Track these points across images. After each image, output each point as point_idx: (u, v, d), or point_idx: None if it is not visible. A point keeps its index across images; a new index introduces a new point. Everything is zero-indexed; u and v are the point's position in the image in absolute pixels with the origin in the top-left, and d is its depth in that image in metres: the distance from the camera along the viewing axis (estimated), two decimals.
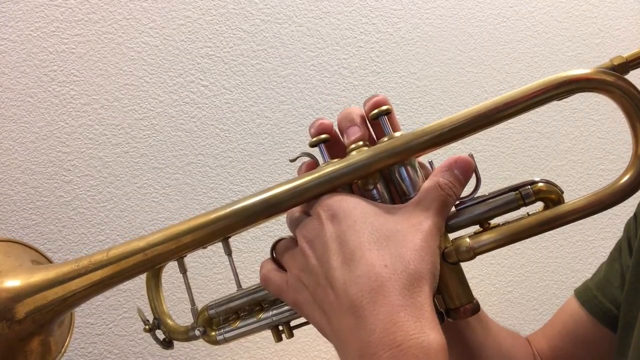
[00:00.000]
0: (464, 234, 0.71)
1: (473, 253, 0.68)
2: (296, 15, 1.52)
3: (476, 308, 0.70)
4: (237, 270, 0.81)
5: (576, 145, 1.72)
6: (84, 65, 1.38)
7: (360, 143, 0.73)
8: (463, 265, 0.70)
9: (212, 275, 1.41)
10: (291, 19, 1.52)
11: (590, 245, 1.69)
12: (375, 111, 0.74)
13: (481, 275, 1.59)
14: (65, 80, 1.36)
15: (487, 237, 0.69)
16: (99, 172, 1.37)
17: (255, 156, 1.47)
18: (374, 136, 0.79)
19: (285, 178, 1.45)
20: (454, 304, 0.69)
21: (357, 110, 0.77)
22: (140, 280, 0.86)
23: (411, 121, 1.59)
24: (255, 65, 1.49)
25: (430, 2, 1.63)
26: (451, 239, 0.70)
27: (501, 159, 1.63)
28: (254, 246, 1.44)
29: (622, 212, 0.98)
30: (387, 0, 1.59)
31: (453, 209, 0.71)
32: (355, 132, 0.74)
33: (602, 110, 1.71)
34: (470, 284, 0.70)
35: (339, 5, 1.56)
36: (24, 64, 1.34)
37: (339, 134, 0.78)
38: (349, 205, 0.67)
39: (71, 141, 1.36)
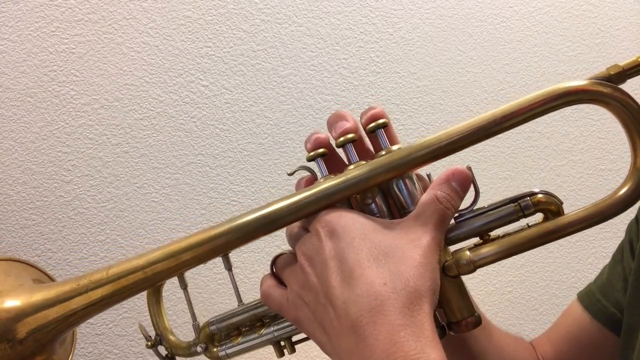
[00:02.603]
0: (464, 247, 0.71)
1: (473, 266, 0.68)
2: (296, 15, 1.52)
3: (478, 321, 0.70)
4: (238, 271, 0.81)
5: (576, 145, 1.72)
6: (84, 65, 1.37)
7: (350, 136, 0.73)
8: None
9: (213, 276, 1.41)
10: (291, 19, 1.52)
11: (590, 245, 1.69)
12: (372, 125, 0.74)
13: (481, 275, 1.59)
14: (65, 80, 1.36)
15: (487, 249, 0.69)
16: (99, 172, 1.37)
17: (255, 156, 1.47)
18: (371, 147, 0.79)
19: (284, 179, 1.46)
20: (455, 318, 0.69)
21: (349, 114, 0.77)
22: None
23: (411, 121, 1.59)
24: (255, 65, 1.49)
25: (430, 2, 1.62)
26: (451, 252, 0.70)
27: (501, 159, 1.63)
28: (253, 246, 1.44)
29: (622, 213, 0.98)
30: (387, 0, 1.59)
31: (452, 221, 0.71)
32: (343, 125, 0.74)
33: (602, 110, 1.70)
34: (470, 284, 0.70)
35: (339, 5, 1.55)
36: (24, 64, 1.34)
37: (334, 147, 0.78)
38: (348, 221, 0.67)
39: (71, 141, 1.36)
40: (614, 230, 1.63)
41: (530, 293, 1.65)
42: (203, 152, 1.44)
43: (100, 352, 1.36)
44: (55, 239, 1.34)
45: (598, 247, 1.68)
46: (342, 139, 0.73)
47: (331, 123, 0.76)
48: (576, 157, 1.72)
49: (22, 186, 1.33)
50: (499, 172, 1.63)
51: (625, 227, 1.00)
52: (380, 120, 0.73)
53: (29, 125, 1.34)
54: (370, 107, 0.76)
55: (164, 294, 0.86)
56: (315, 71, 1.53)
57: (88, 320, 1.32)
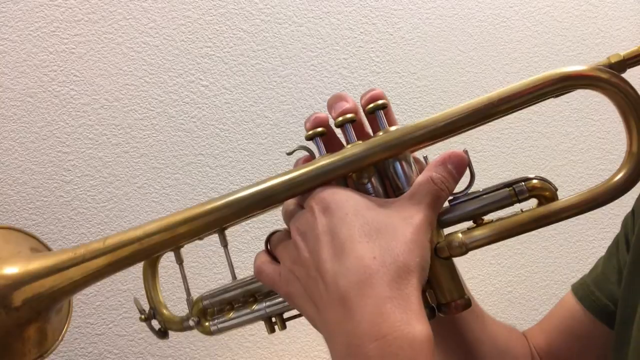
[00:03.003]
0: (457, 230, 0.71)
1: (465, 248, 0.68)
2: (296, 15, 1.52)
3: (467, 303, 0.70)
4: (237, 270, 0.81)
5: (576, 145, 1.72)
6: (84, 65, 1.38)
7: (348, 116, 0.73)
8: (462, 263, 0.70)
9: (211, 268, 1.42)
10: (291, 19, 1.52)
11: (590, 245, 1.69)
12: (371, 105, 0.74)
13: (481, 275, 1.59)
14: (65, 80, 1.37)
15: (479, 232, 0.69)
16: (99, 172, 1.38)
17: (255, 156, 1.48)
18: (370, 131, 0.80)
19: None
20: (445, 299, 0.69)
21: (349, 96, 0.77)
22: (140, 280, 0.86)
23: (411, 121, 1.59)
24: (255, 65, 1.49)
25: (430, 2, 1.63)
26: (444, 234, 0.70)
27: (501, 159, 1.63)
28: (254, 246, 1.44)
29: (622, 212, 0.98)
30: (387, 0, 1.59)
31: (446, 204, 0.71)
32: (342, 105, 0.75)
33: (602, 110, 1.71)
34: (470, 284, 0.70)
35: (339, 5, 1.56)
36: (24, 64, 1.34)
37: (334, 127, 0.78)
38: (342, 198, 0.67)
39: (71, 141, 1.36)
40: (614, 231, 1.62)
41: (530, 293, 1.65)
42: (203, 152, 1.44)
43: (100, 352, 1.36)
44: (55, 239, 1.34)
45: (598, 247, 1.67)
46: (340, 118, 0.74)
47: (331, 104, 0.77)
48: (576, 157, 1.71)
49: (22, 186, 1.33)
50: (499, 172, 1.63)
51: None
52: (380, 102, 0.74)
53: (29, 125, 1.34)
54: (371, 89, 0.76)
55: (161, 277, 0.87)
56: (315, 71, 1.53)
57: (88, 320, 1.33)
